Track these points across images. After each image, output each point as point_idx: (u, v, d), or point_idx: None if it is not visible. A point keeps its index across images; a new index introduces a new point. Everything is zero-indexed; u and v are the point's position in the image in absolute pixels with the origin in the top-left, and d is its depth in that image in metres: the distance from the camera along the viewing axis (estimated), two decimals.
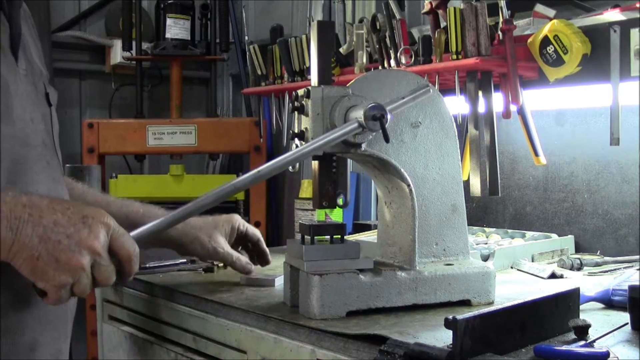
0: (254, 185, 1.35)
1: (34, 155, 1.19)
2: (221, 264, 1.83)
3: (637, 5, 1.70)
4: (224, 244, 1.59)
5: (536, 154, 1.92)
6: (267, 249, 1.70)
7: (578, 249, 2.03)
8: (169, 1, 3.25)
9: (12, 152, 1.13)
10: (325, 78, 1.33)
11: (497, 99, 1.91)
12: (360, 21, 2.21)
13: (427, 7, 2.03)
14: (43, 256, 0.99)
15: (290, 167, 2.43)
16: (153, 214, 1.50)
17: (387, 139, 1.24)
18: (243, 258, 1.62)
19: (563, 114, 2.09)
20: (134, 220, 1.42)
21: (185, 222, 1.49)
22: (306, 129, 1.31)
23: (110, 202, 1.53)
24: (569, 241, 2.02)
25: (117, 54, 3.40)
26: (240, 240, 1.67)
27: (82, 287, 1.03)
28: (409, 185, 1.36)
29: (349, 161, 1.43)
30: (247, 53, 2.70)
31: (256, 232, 1.69)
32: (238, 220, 1.65)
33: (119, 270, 1.09)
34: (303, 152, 1.25)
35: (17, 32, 1.22)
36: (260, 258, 1.70)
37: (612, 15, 1.75)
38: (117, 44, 3.37)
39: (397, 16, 2.08)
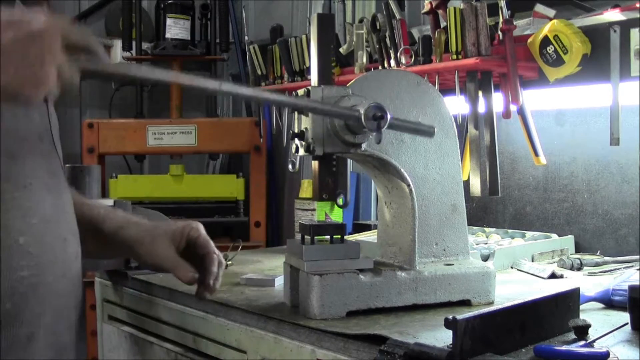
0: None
1: (28, 149, 1.18)
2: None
3: (637, 5, 1.70)
4: (165, 249, 1.39)
5: (536, 154, 1.92)
6: (213, 270, 1.36)
7: (578, 249, 2.03)
8: (169, 1, 3.25)
9: (5, 144, 1.13)
10: (325, 78, 1.33)
11: (497, 99, 1.91)
12: (360, 21, 2.21)
13: (427, 7, 2.03)
14: (11, 86, 0.98)
15: (291, 167, 2.45)
16: (113, 216, 1.44)
17: (378, 140, 1.25)
18: (187, 266, 1.37)
19: (563, 114, 2.09)
20: (96, 224, 1.40)
21: (138, 225, 1.43)
22: (306, 129, 1.31)
23: (84, 203, 1.49)
24: (569, 241, 2.02)
25: (117, 54, 3.40)
26: (191, 249, 1.41)
27: (53, 94, 1.03)
28: (409, 185, 1.36)
29: (349, 161, 1.42)
30: (247, 53, 2.70)
31: (207, 246, 1.38)
32: (193, 226, 1.41)
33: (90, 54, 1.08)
34: (297, 102, 1.25)
35: None
36: (201, 276, 1.36)
37: (612, 15, 1.75)
38: (117, 44, 3.37)
39: (397, 16, 2.08)
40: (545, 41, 1.79)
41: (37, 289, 1.15)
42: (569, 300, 1.21)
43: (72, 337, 1.27)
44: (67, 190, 1.27)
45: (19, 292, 1.13)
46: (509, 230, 2.13)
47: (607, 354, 1.02)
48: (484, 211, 2.28)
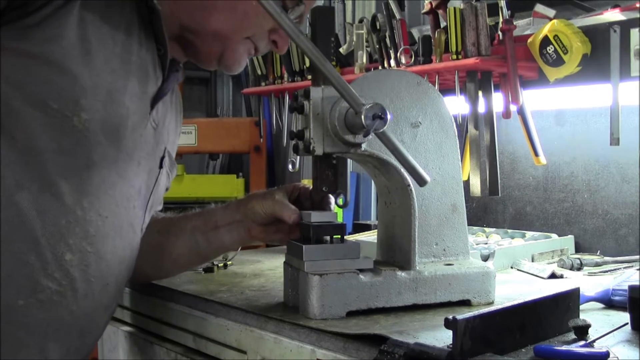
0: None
1: (127, 193, 1.30)
2: (221, 264, 1.83)
3: (637, 5, 1.70)
4: (276, 194, 1.45)
5: (536, 154, 1.92)
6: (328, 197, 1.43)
7: (578, 249, 2.03)
8: None
9: (112, 172, 1.23)
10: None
11: (497, 99, 1.91)
12: (360, 21, 2.21)
13: (427, 7, 2.04)
14: None
15: (290, 167, 2.45)
16: (218, 208, 1.54)
17: (366, 134, 1.25)
18: (292, 207, 1.43)
19: (563, 114, 2.09)
20: (210, 225, 1.50)
21: (250, 195, 1.52)
22: (306, 128, 1.31)
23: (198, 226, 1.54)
24: (569, 241, 2.02)
25: None
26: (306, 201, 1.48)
27: None
28: (409, 185, 1.36)
29: (349, 161, 1.42)
30: None
31: (321, 192, 1.42)
32: (301, 185, 1.50)
33: None
34: (320, 58, 1.20)
35: (164, 91, 1.32)
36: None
37: (612, 15, 1.75)
38: None
39: (397, 16, 2.08)
40: (545, 41, 1.79)
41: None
42: (569, 300, 1.21)
43: None
44: (135, 246, 1.43)
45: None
46: (509, 230, 2.13)
47: (607, 354, 1.02)
48: (484, 211, 2.28)
